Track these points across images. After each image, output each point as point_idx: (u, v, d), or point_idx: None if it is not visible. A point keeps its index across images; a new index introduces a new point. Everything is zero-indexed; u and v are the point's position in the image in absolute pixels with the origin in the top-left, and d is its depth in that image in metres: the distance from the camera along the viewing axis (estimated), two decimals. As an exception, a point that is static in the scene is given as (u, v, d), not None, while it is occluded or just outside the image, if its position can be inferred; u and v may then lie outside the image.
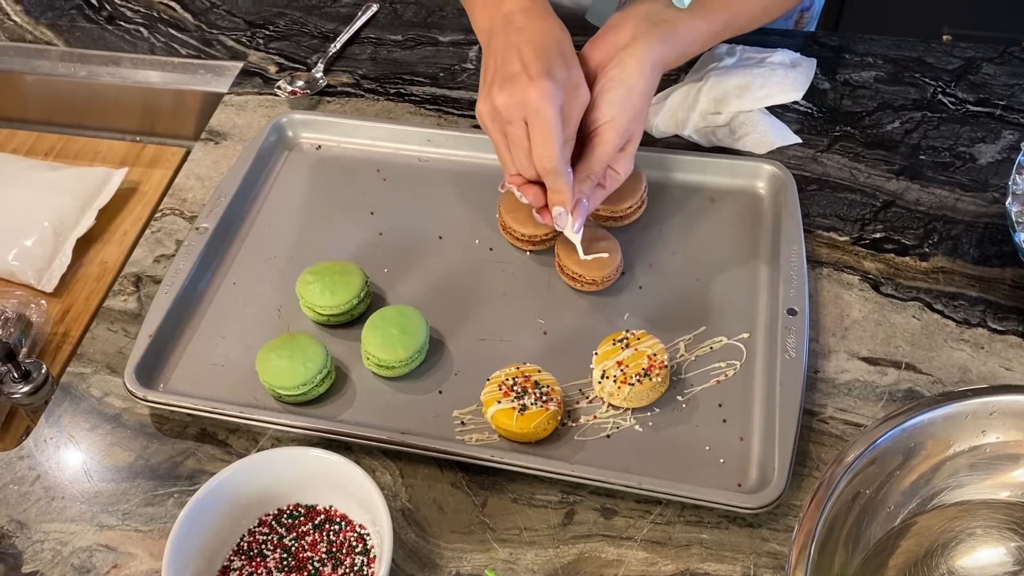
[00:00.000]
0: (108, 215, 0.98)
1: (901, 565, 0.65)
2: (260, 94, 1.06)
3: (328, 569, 0.69)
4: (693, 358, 0.80)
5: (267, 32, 1.14)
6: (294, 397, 0.77)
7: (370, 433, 0.74)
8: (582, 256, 0.81)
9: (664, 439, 0.75)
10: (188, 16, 1.18)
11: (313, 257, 0.87)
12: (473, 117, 0.79)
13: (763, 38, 1.04)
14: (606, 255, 0.82)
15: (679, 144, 0.97)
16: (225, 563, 0.69)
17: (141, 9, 1.19)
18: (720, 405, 0.77)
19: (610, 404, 0.77)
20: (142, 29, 1.17)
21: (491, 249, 0.89)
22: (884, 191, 0.93)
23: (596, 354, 0.77)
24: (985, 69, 1.04)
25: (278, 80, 1.06)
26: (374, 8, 1.15)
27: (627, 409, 0.76)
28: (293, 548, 0.70)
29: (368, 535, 0.70)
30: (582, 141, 0.79)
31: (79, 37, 1.17)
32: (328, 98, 1.05)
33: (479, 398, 0.76)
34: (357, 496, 0.69)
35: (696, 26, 0.82)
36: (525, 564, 0.70)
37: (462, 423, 0.77)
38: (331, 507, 0.72)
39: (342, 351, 0.81)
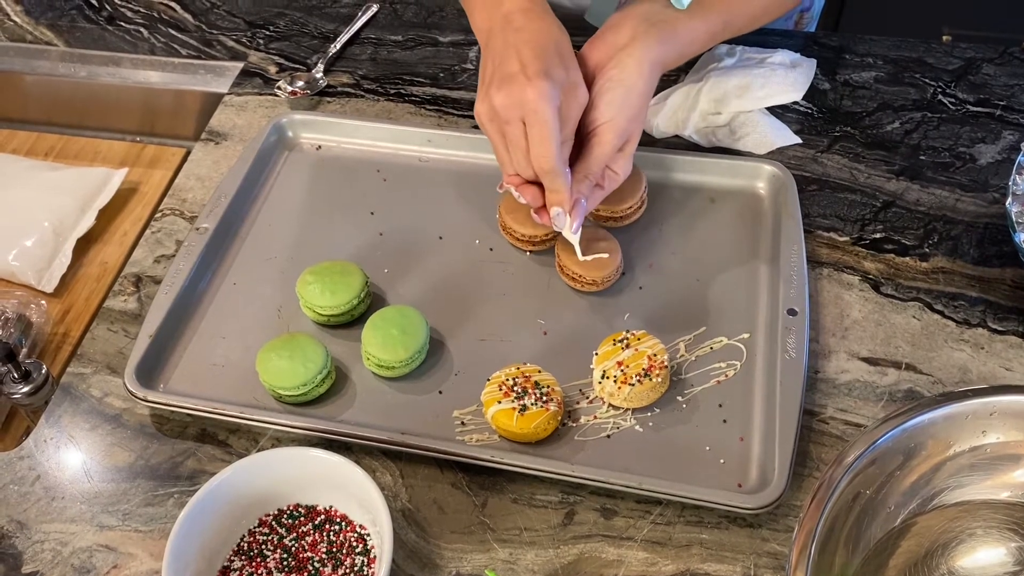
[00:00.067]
0: (108, 215, 0.98)
1: (901, 565, 0.65)
2: (260, 94, 1.06)
3: (328, 569, 0.69)
4: (693, 358, 0.80)
5: (267, 32, 1.14)
6: (294, 397, 0.77)
7: (370, 433, 0.74)
8: (580, 256, 0.81)
9: (664, 439, 0.75)
10: (188, 16, 1.18)
11: (313, 257, 0.86)
12: (473, 117, 0.79)
13: (763, 38, 1.04)
14: (606, 255, 0.82)
15: (679, 144, 0.97)
16: (225, 563, 0.69)
17: (141, 9, 1.19)
18: (720, 405, 0.77)
19: (610, 404, 0.76)
20: (142, 29, 1.17)
21: (491, 249, 0.89)
22: (884, 191, 0.93)
23: (596, 354, 0.77)
24: (985, 69, 1.04)
25: (278, 80, 1.06)
26: (374, 8, 1.15)
27: (627, 409, 0.76)
28: (293, 548, 0.70)
29: (368, 535, 0.70)
30: (580, 141, 0.79)
31: (79, 37, 1.17)
32: (328, 98, 1.05)
33: (479, 398, 0.76)
34: (357, 496, 0.69)
35: (695, 27, 0.82)
36: (525, 564, 0.70)
37: (462, 423, 0.77)
38: (331, 507, 0.72)
39: (342, 351, 0.81)
